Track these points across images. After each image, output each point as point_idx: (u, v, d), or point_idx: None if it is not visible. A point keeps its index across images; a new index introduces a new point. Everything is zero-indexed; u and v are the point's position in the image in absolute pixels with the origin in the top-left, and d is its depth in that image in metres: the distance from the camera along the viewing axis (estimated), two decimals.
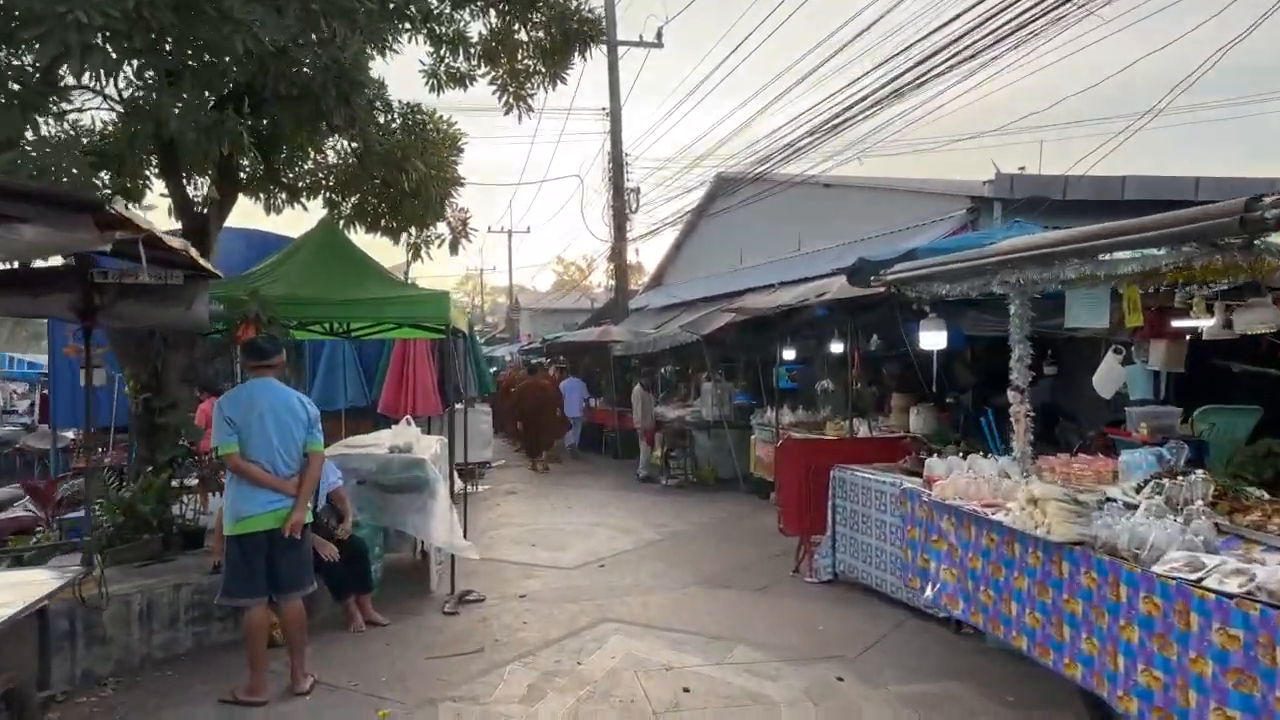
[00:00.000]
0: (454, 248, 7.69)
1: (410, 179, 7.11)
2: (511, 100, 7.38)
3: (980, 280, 5.02)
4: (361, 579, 6.36)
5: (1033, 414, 5.22)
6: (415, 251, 7.80)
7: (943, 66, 10.85)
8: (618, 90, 22.16)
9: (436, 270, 46.62)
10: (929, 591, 5.20)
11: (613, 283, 22.96)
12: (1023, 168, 13.68)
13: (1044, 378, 9.83)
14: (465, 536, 9.14)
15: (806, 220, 18.17)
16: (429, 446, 7.57)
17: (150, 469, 6.33)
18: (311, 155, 7.54)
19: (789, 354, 11.42)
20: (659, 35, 22.14)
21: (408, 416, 7.77)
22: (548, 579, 7.65)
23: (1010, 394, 5.25)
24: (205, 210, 6.80)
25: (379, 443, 7.66)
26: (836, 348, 10.28)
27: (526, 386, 16.64)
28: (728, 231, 21.94)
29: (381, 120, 6.76)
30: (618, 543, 9.19)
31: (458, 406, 13.03)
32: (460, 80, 7.30)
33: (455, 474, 8.68)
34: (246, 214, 18.62)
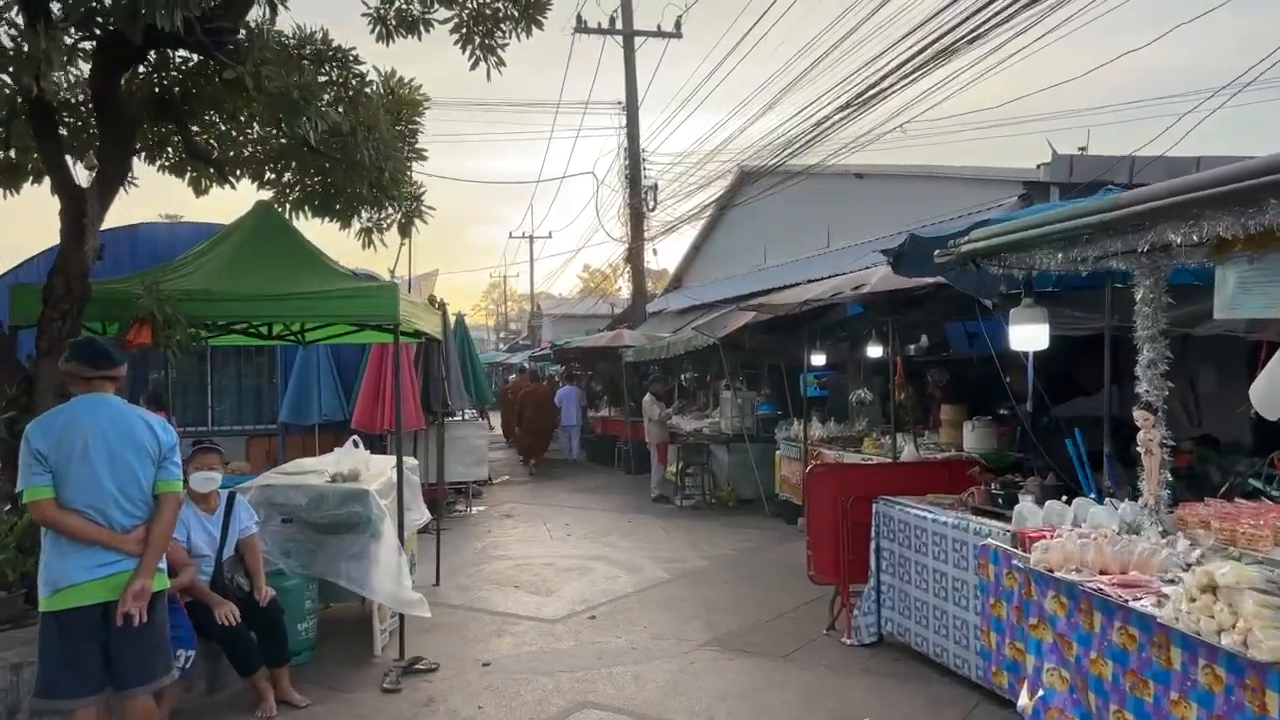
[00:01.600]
0: (405, 230, 6.33)
1: (368, 154, 5.77)
2: (478, 51, 6.00)
3: (1107, 242, 3.54)
4: (275, 648, 4.97)
5: (1169, 443, 3.74)
6: (367, 237, 6.44)
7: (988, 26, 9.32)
8: (634, 83, 20.86)
9: (462, 279, 45.57)
10: (1025, 699, 3.73)
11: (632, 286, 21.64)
12: (1082, 148, 12.13)
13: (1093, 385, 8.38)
14: (439, 575, 7.84)
15: (836, 214, 16.67)
16: (378, 474, 6.20)
17: (9, 507, 5.00)
18: (248, 125, 6.21)
19: (818, 359, 9.94)
20: (678, 25, 20.75)
21: (354, 438, 6.43)
22: (524, 637, 6.23)
23: (1138, 416, 3.79)
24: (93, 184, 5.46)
25: (320, 469, 6.31)
26: (874, 351, 8.78)
27: (528, 394, 15.70)
28: (751, 228, 20.47)
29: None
30: (617, 583, 7.76)
31: (448, 418, 11.81)
32: (413, 26, 5.94)
33: (423, 503, 7.34)
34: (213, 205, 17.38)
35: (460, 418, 12.23)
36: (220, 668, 5.01)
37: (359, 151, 5.47)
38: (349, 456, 6.23)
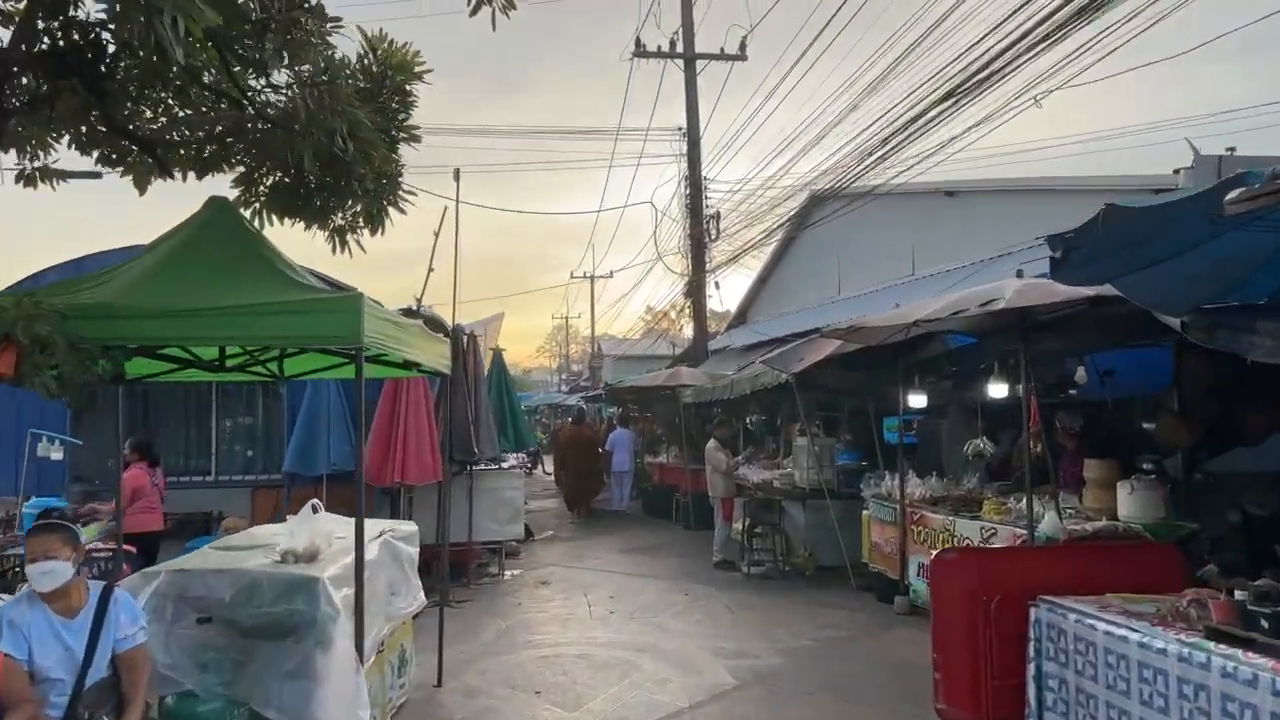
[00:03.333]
0: (375, 222, 4.80)
1: (353, 141, 4.32)
2: None
3: None
4: None
5: None
6: (340, 238, 4.94)
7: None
8: (695, 108, 19.45)
9: (527, 322, 44.53)
10: None
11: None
12: (1231, 149, 10.19)
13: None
14: (441, 672, 6.17)
15: (922, 238, 14.87)
16: (344, 551, 4.61)
17: None
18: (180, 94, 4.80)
19: (917, 399, 8.12)
20: (742, 46, 19.27)
21: (313, 501, 4.88)
22: None
23: None
24: None
25: (276, 543, 4.76)
26: (997, 390, 6.94)
27: (570, 438, 14.14)
28: (822, 258, 18.74)
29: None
30: (667, 692, 6.00)
31: (480, 466, 10.26)
32: None
33: (417, 582, 5.74)
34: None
35: (495, 467, 10.67)
36: None
37: (308, 115, 3.95)
38: (305, 526, 4.66)
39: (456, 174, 12.09)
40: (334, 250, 4.95)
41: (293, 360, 6.14)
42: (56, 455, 8.68)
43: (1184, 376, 8.08)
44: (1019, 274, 6.15)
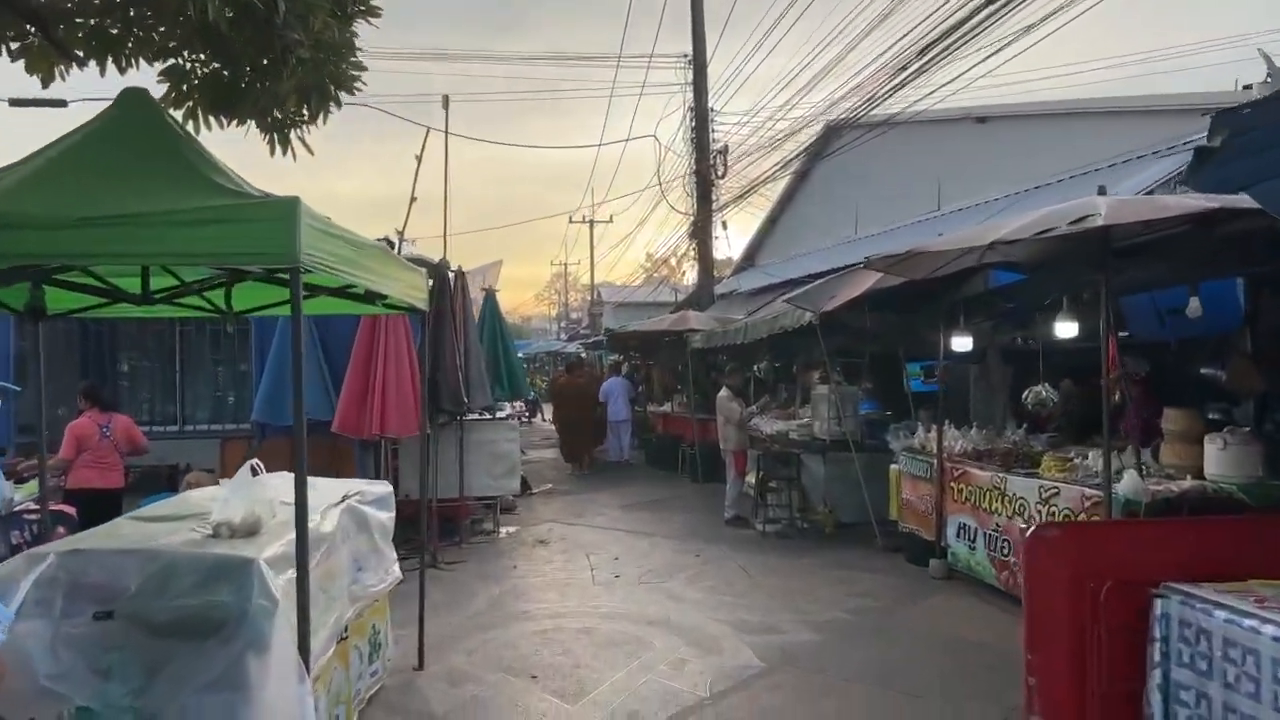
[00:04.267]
0: (316, 104, 3.82)
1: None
2: None
3: None
4: None
5: None
6: (279, 134, 3.96)
7: None
8: (702, 29, 18.22)
9: (526, 271, 43.38)
10: None
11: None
12: None
13: None
14: (422, 652, 5.30)
15: (949, 169, 13.81)
16: (288, 523, 3.72)
17: None
18: None
19: (961, 342, 7.19)
20: None
21: (252, 462, 3.99)
22: None
23: None
24: None
25: (207, 512, 3.88)
26: (1066, 329, 5.99)
27: (565, 385, 13.31)
28: (838, 195, 17.69)
29: None
30: (684, 676, 5.19)
31: (471, 416, 9.36)
32: None
33: (391, 553, 4.88)
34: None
35: (488, 417, 9.78)
36: None
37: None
38: (243, 493, 3.77)
39: (445, 101, 11.01)
40: (272, 151, 3.98)
41: (241, 291, 5.18)
42: None
43: (1260, 314, 7.18)
44: (1101, 191, 5.18)
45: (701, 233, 18.37)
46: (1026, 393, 6.94)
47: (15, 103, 14.80)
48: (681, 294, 27.12)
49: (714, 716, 4.60)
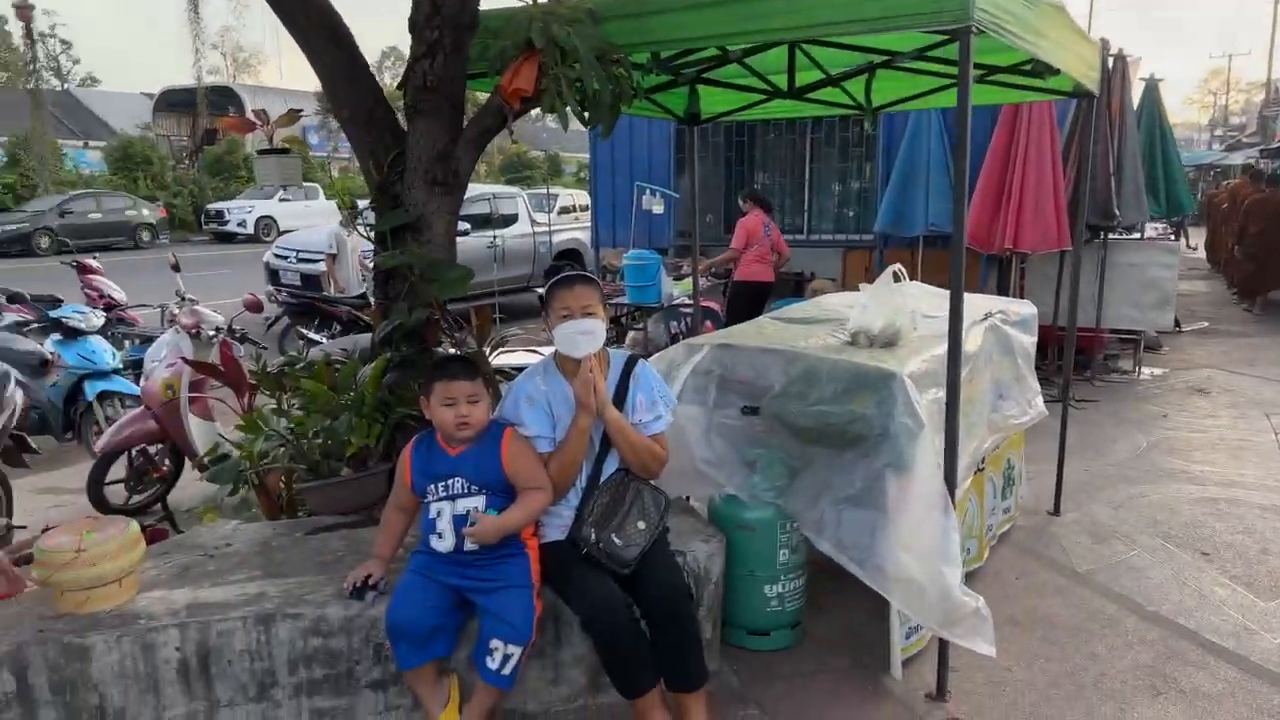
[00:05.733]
0: None
1: None
2: None
3: None
4: (675, 653, 2.67)
5: None
6: None
7: None
8: None
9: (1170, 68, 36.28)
10: None
11: None
12: None
13: None
14: (1059, 496, 4.64)
15: None
16: (934, 340, 3.32)
17: (384, 339, 3.45)
18: None
19: None
20: None
21: (895, 267, 3.56)
22: (1210, 708, 2.96)
23: None
24: None
25: (844, 317, 3.68)
26: None
27: (1255, 203, 10.55)
28: None
29: None
30: None
31: (1111, 236, 7.90)
32: None
33: (1034, 383, 4.25)
34: None
35: (1136, 236, 8.25)
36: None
37: None
38: (883, 299, 3.45)
39: None
40: None
41: (881, 83, 4.75)
42: (658, 209, 8.81)
43: None
44: None
45: None
46: None
47: None
48: None
49: None
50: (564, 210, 13.67)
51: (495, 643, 2.47)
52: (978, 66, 3.80)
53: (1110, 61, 7.27)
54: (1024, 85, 4.28)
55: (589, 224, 11.53)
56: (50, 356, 5.73)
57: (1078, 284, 4.74)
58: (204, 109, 29.00)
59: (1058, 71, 3.63)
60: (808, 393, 3.06)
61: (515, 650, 2.47)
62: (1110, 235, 7.84)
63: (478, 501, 2.54)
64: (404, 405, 3.33)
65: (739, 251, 7.55)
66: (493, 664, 2.46)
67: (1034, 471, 4.88)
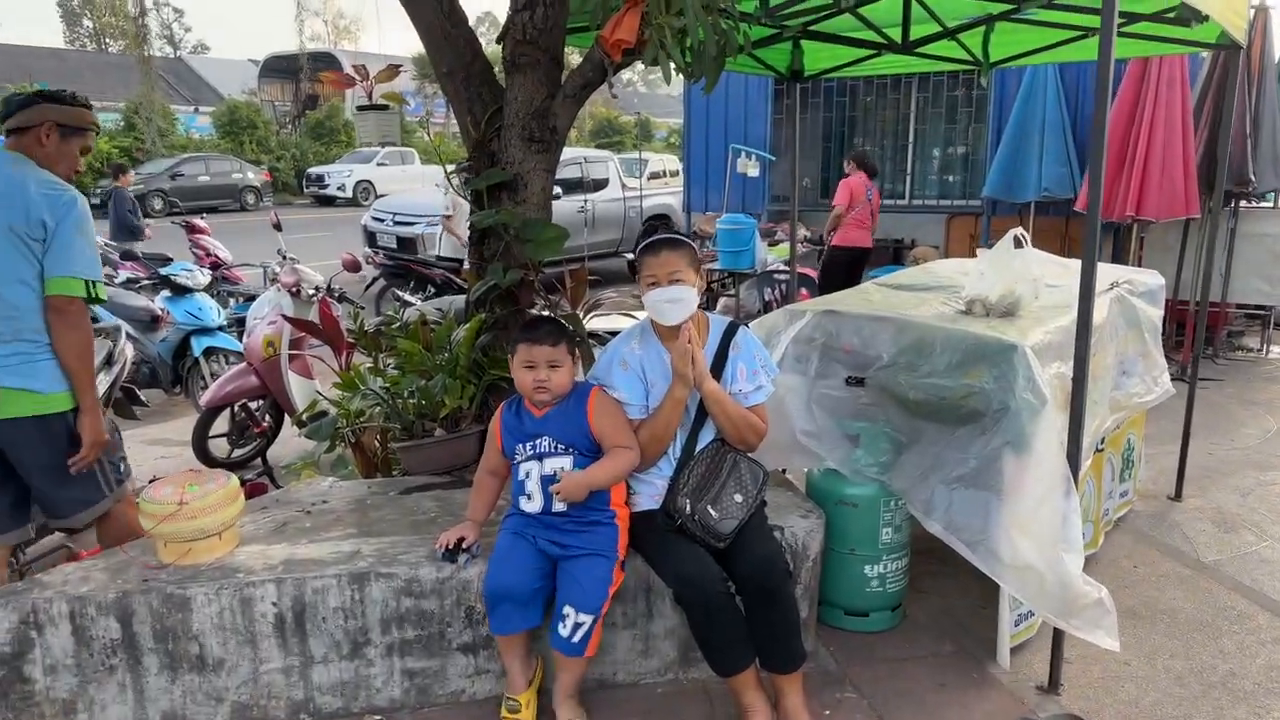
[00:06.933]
0: None
1: None
2: None
3: None
4: (772, 632, 2.56)
5: None
6: None
7: None
8: None
9: None
10: None
11: None
12: None
13: None
14: (1181, 480, 4.32)
15: None
16: (1059, 309, 3.10)
17: (478, 300, 3.41)
18: None
19: None
20: None
21: (1016, 231, 3.31)
22: None
23: None
24: None
25: (958, 285, 3.47)
26: None
27: None
28: None
29: None
30: None
31: (1244, 204, 7.31)
32: None
33: (1161, 359, 3.95)
34: None
35: (1268, 204, 7.66)
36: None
37: None
38: (1003, 265, 3.22)
39: None
40: None
41: (1000, 35, 4.46)
42: (753, 172, 8.59)
43: None
44: None
45: None
46: None
47: None
48: None
49: None
50: (654, 175, 13.51)
51: (568, 609, 2.42)
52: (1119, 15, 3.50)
53: (1251, 13, 6.72)
54: (1164, 36, 3.94)
55: (679, 189, 11.37)
56: (160, 312, 5.93)
57: (1212, 253, 4.40)
58: (306, 75, 29.70)
59: (1206, 18, 3.31)
60: (919, 364, 2.88)
61: (586, 619, 2.42)
62: (1243, 203, 7.29)
63: (565, 461, 2.48)
64: (497, 368, 3.29)
65: (844, 208, 7.30)
66: (564, 630, 2.42)
67: (1153, 454, 4.58)
